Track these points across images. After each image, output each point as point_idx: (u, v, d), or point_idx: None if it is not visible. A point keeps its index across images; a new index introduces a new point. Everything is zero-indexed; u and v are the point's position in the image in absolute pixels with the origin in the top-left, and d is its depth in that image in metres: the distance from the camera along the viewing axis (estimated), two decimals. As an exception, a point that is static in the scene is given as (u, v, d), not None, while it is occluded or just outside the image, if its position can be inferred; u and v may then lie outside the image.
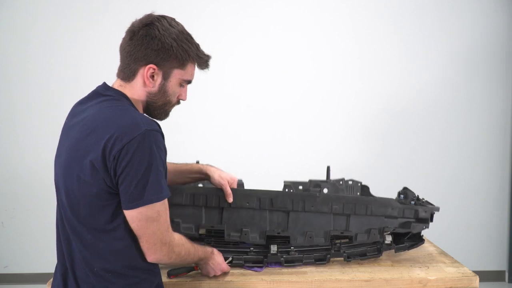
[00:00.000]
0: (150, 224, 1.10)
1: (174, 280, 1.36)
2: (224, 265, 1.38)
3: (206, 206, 1.41)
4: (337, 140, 3.20)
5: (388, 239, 1.54)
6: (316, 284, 1.38)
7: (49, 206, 3.20)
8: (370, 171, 3.07)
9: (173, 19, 1.22)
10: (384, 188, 1.92)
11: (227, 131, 3.19)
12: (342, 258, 1.51)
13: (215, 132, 3.19)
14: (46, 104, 3.08)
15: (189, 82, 1.26)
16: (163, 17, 1.21)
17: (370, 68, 3.18)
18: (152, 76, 1.17)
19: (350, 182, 1.88)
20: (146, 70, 1.16)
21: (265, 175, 3.08)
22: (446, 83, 3.20)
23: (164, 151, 1.13)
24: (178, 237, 1.20)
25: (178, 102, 1.28)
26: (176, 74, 1.20)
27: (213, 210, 1.42)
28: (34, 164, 3.14)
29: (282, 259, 1.46)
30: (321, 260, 1.49)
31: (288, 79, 3.18)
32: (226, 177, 1.43)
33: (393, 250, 1.55)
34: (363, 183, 1.88)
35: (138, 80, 1.18)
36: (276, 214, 1.45)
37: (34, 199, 3.17)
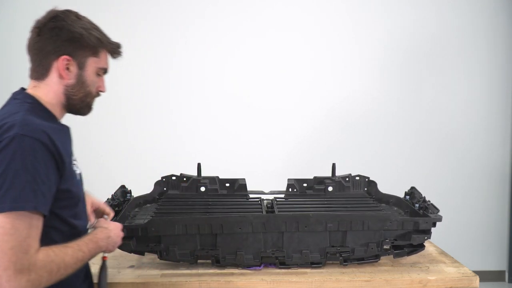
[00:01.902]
0: (1, 236, 0.92)
1: (173, 280, 1.36)
2: (115, 232, 1.23)
3: (200, 233, 1.42)
4: (340, 138, 3.20)
5: (386, 246, 1.50)
6: (316, 284, 1.38)
7: (49, 206, 3.21)
8: (372, 171, 3.06)
9: (77, 13, 1.18)
10: (385, 187, 1.92)
11: (228, 131, 3.18)
12: (338, 262, 1.50)
13: (216, 131, 3.18)
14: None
15: (105, 71, 1.23)
16: (68, 10, 1.16)
17: (371, 65, 3.18)
18: (68, 68, 1.13)
19: (357, 178, 1.86)
20: (60, 63, 1.12)
21: (267, 173, 3.08)
22: (447, 82, 3.20)
23: (41, 161, 0.99)
24: (43, 256, 0.97)
25: (98, 94, 1.23)
26: (92, 63, 1.17)
27: (207, 236, 1.43)
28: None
29: (277, 260, 1.46)
30: (317, 263, 1.48)
31: (290, 77, 3.17)
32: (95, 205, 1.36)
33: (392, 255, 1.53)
34: (370, 179, 1.86)
35: (53, 75, 1.13)
36: (270, 234, 1.45)
37: (34, 199, 3.17)
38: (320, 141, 3.20)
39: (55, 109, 1.15)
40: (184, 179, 1.80)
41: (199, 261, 1.48)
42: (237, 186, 1.81)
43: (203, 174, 1.84)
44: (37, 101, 1.12)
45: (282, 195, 1.81)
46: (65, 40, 1.11)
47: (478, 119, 3.23)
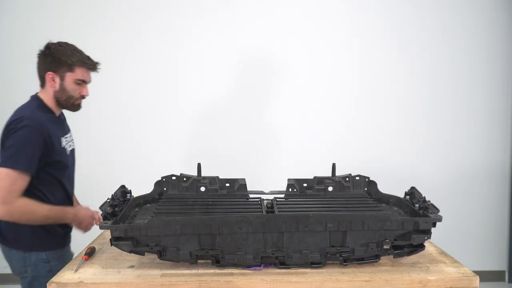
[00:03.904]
0: (1, 180, 1.53)
1: (173, 280, 1.37)
2: (84, 216, 1.76)
3: (199, 233, 1.42)
4: (341, 138, 3.21)
5: (386, 245, 1.49)
6: (316, 284, 1.38)
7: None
8: (372, 171, 3.07)
9: (65, 42, 1.73)
10: (385, 187, 1.92)
11: (229, 131, 3.19)
12: (338, 262, 1.49)
13: (216, 131, 3.19)
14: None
15: (84, 81, 1.74)
16: (58, 42, 1.72)
17: (373, 63, 3.18)
18: (53, 80, 1.69)
19: (357, 178, 1.85)
20: (47, 76, 1.69)
21: (267, 173, 3.08)
22: (447, 82, 3.20)
23: (35, 142, 1.57)
24: (22, 203, 1.57)
25: (82, 97, 1.76)
26: (69, 76, 1.70)
27: (207, 236, 1.43)
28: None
29: (277, 260, 1.46)
30: (317, 263, 1.48)
31: (290, 78, 3.18)
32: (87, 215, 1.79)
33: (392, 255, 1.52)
34: (370, 179, 1.86)
35: (47, 85, 1.71)
36: (270, 234, 1.44)
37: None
38: (320, 141, 3.20)
39: (53, 107, 1.75)
40: (184, 179, 1.80)
41: (199, 261, 1.49)
42: (237, 186, 1.81)
43: (203, 174, 1.84)
44: (42, 101, 1.73)
45: (282, 195, 1.81)
46: (49, 62, 1.69)
47: (478, 119, 3.24)
